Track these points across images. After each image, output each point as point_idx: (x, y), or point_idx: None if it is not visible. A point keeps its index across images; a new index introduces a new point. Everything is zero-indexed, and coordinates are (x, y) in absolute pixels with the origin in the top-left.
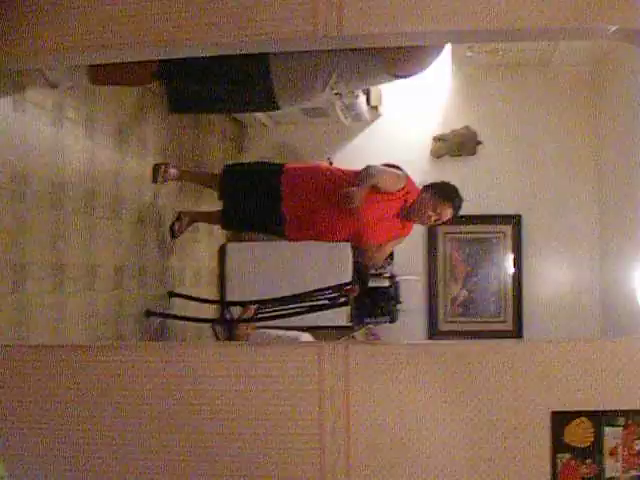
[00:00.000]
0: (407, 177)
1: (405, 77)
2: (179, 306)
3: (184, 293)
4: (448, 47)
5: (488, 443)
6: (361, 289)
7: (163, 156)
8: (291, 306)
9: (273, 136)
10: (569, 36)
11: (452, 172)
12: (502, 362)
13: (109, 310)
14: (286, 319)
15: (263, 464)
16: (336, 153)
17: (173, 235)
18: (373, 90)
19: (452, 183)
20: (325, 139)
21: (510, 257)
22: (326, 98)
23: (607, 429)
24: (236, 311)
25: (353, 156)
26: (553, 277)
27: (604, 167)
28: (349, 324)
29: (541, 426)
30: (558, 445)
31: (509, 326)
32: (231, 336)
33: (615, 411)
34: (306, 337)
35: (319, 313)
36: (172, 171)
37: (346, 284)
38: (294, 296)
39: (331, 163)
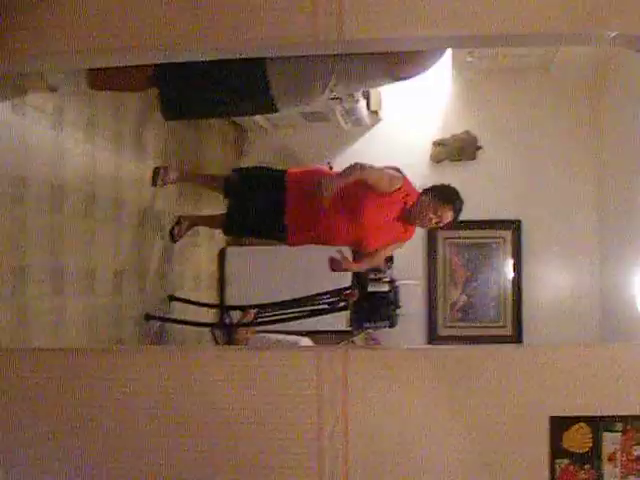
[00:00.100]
0: (404, 178)
1: (406, 79)
2: (179, 310)
3: (184, 297)
4: (449, 51)
5: (487, 448)
6: (360, 294)
7: (163, 160)
8: (290, 310)
9: (273, 140)
10: (569, 42)
11: (452, 177)
12: (501, 367)
13: (108, 314)
14: (285, 323)
15: (261, 468)
16: (336, 158)
17: (173, 239)
18: (373, 94)
19: (452, 186)
20: (325, 143)
21: (510, 262)
22: (325, 101)
23: (606, 434)
24: (236, 315)
25: (353, 161)
26: (553, 282)
27: (604, 172)
28: (348, 329)
29: (540, 431)
30: (557, 450)
31: (509, 331)
32: (230, 340)
33: (614, 417)
34: (305, 341)
35: (318, 318)
36: (172, 174)
37: (345, 289)
38: (294, 300)
39: (331, 168)
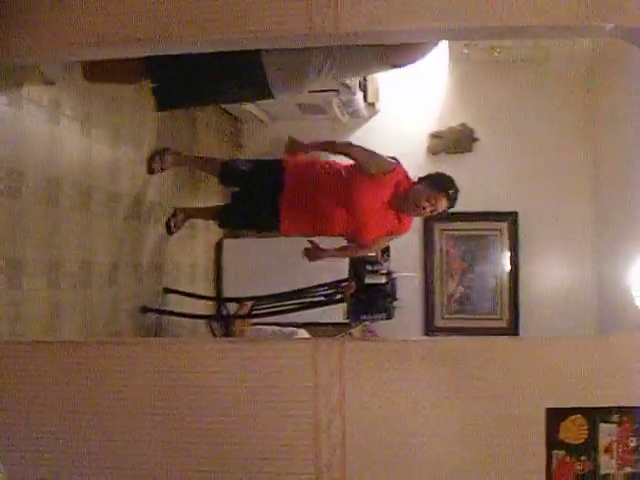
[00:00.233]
0: (398, 166)
1: (401, 67)
2: (175, 302)
3: (180, 289)
4: (444, 41)
5: (483, 439)
6: (357, 286)
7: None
8: (287, 302)
9: (270, 133)
10: (566, 34)
11: (448, 169)
12: (497, 359)
13: (105, 306)
14: (282, 315)
15: (258, 460)
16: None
17: (169, 231)
18: (370, 86)
19: (447, 174)
20: (322, 136)
21: (506, 254)
22: (321, 85)
23: (602, 426)
24: (232, 307)
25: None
26: (549, 274)
27: (600, 164)
28: (346, 321)
29: (536, 423)
30: (553, 442)
31: (505, 323)
32: (227, 332)
33: (610, 408)
34: (302, 333)
35: (315, 310)
36: (168, 157)
37: (342, 281)
38: (290, 292)
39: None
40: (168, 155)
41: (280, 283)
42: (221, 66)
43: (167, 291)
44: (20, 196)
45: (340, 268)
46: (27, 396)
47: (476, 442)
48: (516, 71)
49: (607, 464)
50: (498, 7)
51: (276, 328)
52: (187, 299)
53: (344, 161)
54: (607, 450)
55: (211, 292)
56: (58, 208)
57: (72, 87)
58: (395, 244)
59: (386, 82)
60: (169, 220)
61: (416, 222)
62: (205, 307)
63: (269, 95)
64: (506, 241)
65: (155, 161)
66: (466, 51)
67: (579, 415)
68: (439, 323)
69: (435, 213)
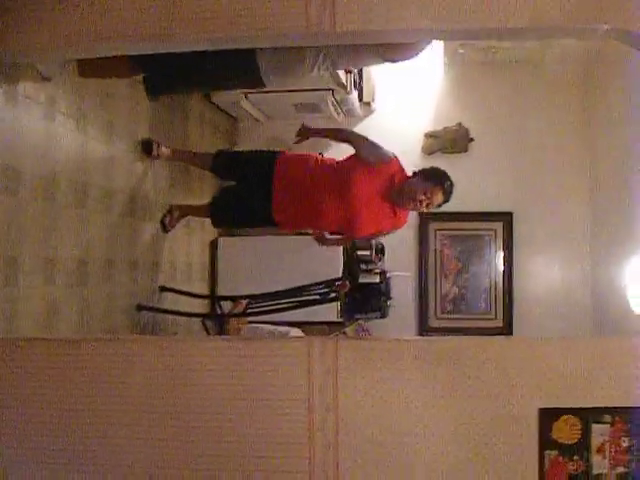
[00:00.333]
0: (394, 158)
1: (395, 61)
2: (170, 300)
3: (175, 287)
4: (440, 43)
5: (476, 439)
6: (352, 285)
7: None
8: (282, 301)
9: (265, 131)
10: (561, 35)
11: (444, 169)
12: (491, 358)
13: (100, 304)
14: (277, 314)
15: (253, 458)
16: (328, 149)
17: (164, 229)
18: (366, 86)
19: (441, 168)
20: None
21: (501, 254)
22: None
23: (594, 426)
24: (227, 306)
25: (345, 152)
26: (544, 274)
27: (596, 164)
28: (340, 320)
29: (529, 423)
30: (546, 442)
31: (499, 323)
32: (222, 331)
33: (603, 408)
34: (296, 332)
35: (309, 308)
36: (164, 149)
37: (337, 279)
38: (285, 291)
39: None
40: (163, 147)
41: (275, 282)
42: (212, 53)
43: (162, 289)
44: (16, 193)
45: (334, 267)
46: (23, 393)
47: (469, 442)
48: (512, 71)
49: (600, 464)
50: (494, 8)
51: (271, 327)
52: (182, 297)
53: (340, 157)
54: (600, 450)
55: (206, 290)
56: (54, 205)
57: (67, 84)
58: (390, 243)
59: (382, 81)
60: (164, 218)
61: (411, 221)
62: (200, 305)
63: (261, 84)
64: (501, 241)
65: (151, 146)
66: (462, 51)
67: (572, 415)
68: (433, 323)
69: (431, 207)
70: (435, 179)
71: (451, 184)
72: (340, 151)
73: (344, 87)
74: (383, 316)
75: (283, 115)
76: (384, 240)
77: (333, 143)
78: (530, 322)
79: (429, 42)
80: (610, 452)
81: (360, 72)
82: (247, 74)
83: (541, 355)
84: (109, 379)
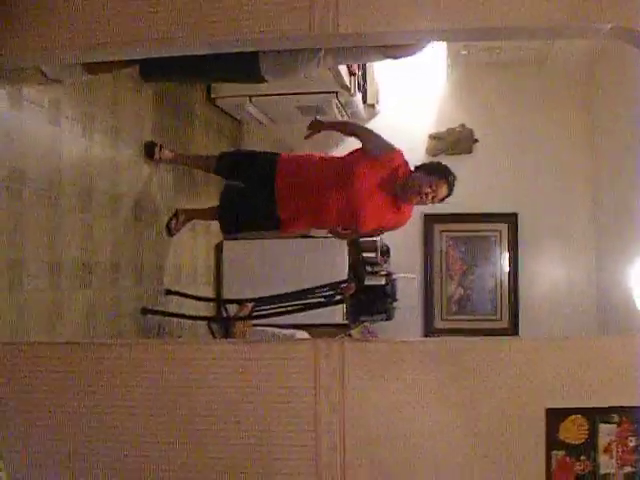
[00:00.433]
0: (398, 151)
1: (397, 58)
2: (176, 304)
3: (181, 291)
4: (443, 44)
5: (483, 440)
6: (357, 287)
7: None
8: (287, 304)
9: (269, 134)
10: (564, 34)
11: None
12: (497, 359)
13: (106, 308)
14: (282, 317)
15: (259, 460)
16: (332, 151)
17: (170, 232)
18: (369, 88)
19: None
20: (321, 137)
21: (506, 255)
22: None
23: (601, 426)
24: (233, 309)
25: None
26: (549, 275)
27: (600, 165)
28: (345, 322)
29: (536, 423)
30: (553, 442)
31: (505, 324)
32: (227, 334)
33: (609, 408)
34: (302, 335)
35: (315, 311)
36: (167, 152)
37: (342, 282)
38: (290, 294)
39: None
40: (166, 150)
41: (280, 284)
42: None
43: (168, 292)
44: (21, 197)
45: (340, 269)
46: (27, 398)
47: (476, 442)
48: (515, 72)
49: (607, 464)
50: (496, 8)
51: (276, 329)
52: (188, 300)
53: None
54: (607, 450)
55: (211, 294)
56: (59, 209)
57: (73, 88)
58: (395, 244)
59: (386, 83)
60: (170, 221)
61: (416, 223)
62: (206, 308)
63: (261, 79)
64: (506, 242)
65: (154, 149)
66: (465, 52)
67: (579, 415)
68: (439, 324)
69: (436, 200)
70: (439, 172)
71: (454, 178)
72: (342, 152)
73: (348, 89)
74: (389, 318)
75: (287, 118)
76: (389, 242)
77: (335, 146)
78: (536, 323)
79: (428, 41)
80: (617, 452)
81: (364, 74)
82: (248, 69)
83: (547, 355)
84: (114, 383)
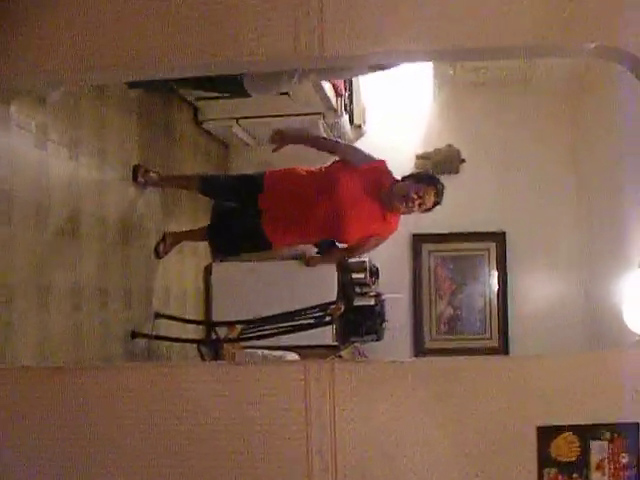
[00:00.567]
0: (380, 160)
1: (384, 69)
2: (165, 327)
3: (170, 314)
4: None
5: (475, 459)
6: (346, 307)
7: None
8: (276, 326)
9: (256, 156)
10: (549, 53)
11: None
12: (488, 378)
13: (95, 331)
14: (272, 338)
15: None
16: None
17: (158, 255)
18: (356, 109)
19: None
20: (308, 158)
21: (495, 274)
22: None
23: (593, 443)
24: (222, 331)
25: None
26: (538, 293)
27: (587, 181)
28: (335, 343)
29: (527, 441)
30: (545, 460)
31: (495, 343)
32: (217, 356)
33: (601, 425)
34: (292, 356)
35: (305, 332)
36: (152, 174)
37: (331, 303)
38: (279, 315)
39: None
40: (151, 173)
41: (269, 306)
42: None
43: (157, 316)
44: (9, 222)
45: (329, 290)
46: (16, 423)
47: (468, 461)
48: (501, 91)
49: None
50: (482, 28)
51: (266, 351)
52: (177, 323)
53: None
54: (599, 467)
55: (201, 316)
56: (47, 233)
57: (60, 111)
58: (384, 265)
59: (372, 104)
60: (158, 244)
61: (405, 242)
62: (195, 331)
63: (244, 93)
64: (494, 261)
65: (139, 172)
66: (451, 72)
67: (570, 432)
68: (429, 344)
69: (423, 207)
70: (427, 180)
71: (443, 186)
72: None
73: (335, 111)
74: (379, 339)
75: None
76: (378, 262)
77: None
78: (526, 340)
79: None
80: (610, 469)
81: (350, 95)
82: (231, 84)
83: (538, 373)
84: (102, 407)
